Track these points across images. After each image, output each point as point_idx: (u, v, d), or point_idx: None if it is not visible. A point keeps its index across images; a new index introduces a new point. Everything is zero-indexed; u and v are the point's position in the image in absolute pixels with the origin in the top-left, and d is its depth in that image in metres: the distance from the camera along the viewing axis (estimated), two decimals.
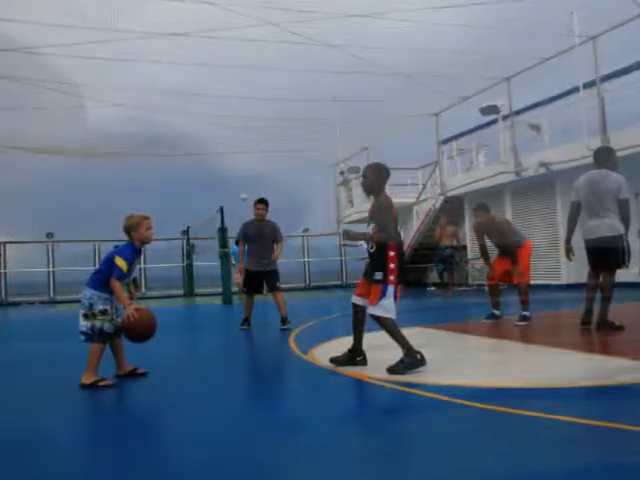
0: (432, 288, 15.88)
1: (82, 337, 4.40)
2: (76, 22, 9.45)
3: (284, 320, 7.79)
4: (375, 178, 4.65)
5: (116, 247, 4.78)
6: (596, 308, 6.05)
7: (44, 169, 17.44)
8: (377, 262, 4.45)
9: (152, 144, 15.71)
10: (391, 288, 4.37)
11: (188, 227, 19.45)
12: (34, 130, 13.84)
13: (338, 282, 21.55)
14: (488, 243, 7.63)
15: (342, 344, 5.09)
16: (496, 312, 7.38)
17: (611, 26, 11.03)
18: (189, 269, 19.21)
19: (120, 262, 4.38)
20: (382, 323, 4.43)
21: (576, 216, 6.12)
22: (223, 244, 14.30)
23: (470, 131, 16.22)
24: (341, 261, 21.65)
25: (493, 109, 13.95)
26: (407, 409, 3.57)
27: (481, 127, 15.59)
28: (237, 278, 14.15)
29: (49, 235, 18.91)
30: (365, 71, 11.82)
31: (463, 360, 5.01)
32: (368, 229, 4.64)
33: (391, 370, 4.27)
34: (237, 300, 14.06)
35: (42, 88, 11.69)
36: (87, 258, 18.85)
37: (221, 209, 14.41)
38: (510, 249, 7.17)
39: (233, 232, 12.55)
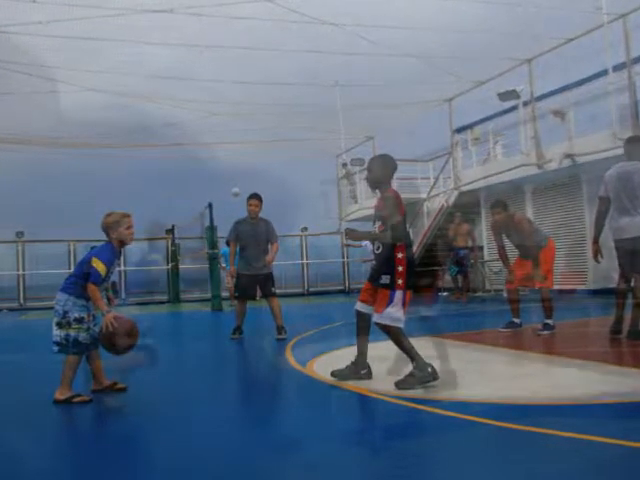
0: (445, 293, 15.88)
1: (55, 348, 4.40)
2: None
3: (280, 329, 7.80)
4: (381, 171, 4.65)
5: (93, 248, 4.78)
6: (627, 315, 6.05)
7: (12, 161, 17.39)
8: (384, 264, 4.45)
9: (133, 133, 15.70)
10: (399, 294, 4.37)
11: (173, 225, 19.46)
12: None
13: (340, 287, 21.59)
14: (507, 243, 7.64)
15: (344, 355, 5.08)
16: (516, 320, 7.38)
17: None
18: (174, 272, 19.22)
19: (98, 265, 4.38)
20: (389, 332, 4.43)
21: (605, 213, 6.11)
22: (212, 245, 14.31)
23: (487, 119, 16.20)
24: (343, 263, 21.68)
25: (512, 94, 13.93)
26: (415, 427, 3.56)
27: (499, 114, 15.57)
28: (228, 282, 14.24)
29: (19, 234, 18.91)
30: (370, 52, 11.81)
31: (478, 373, 4.99)
32: (374, 228, 4.63)
33: (399, 385, 4.27)
34: (227, 307, 14.07)
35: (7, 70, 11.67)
36: (61, 260, 18.86)
37: (210, 205, 14.43)
38: (531, 250, 7.17)
39: (223, 231, 12.55)
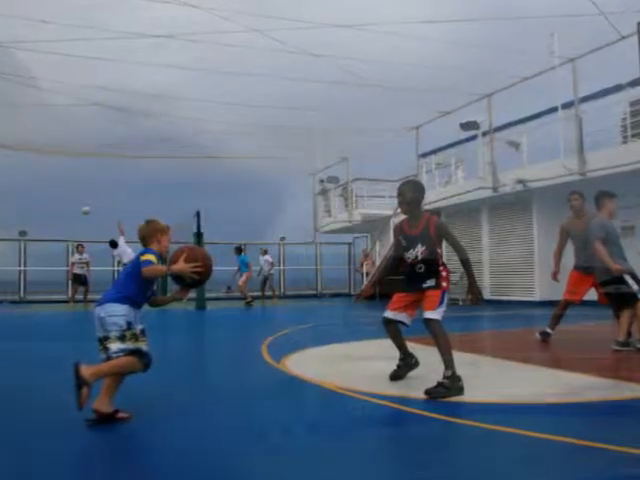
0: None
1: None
2: (57, 19, 9.30)
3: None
4: (415, 194, 4.38)
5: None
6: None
7: (13, 163, 16.90)
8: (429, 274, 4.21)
9: (131, 145, 15.47)
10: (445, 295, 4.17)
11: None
12: (6, 126, 13.57)
13: (312, 291, 21.54)
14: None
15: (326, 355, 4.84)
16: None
17: (590, 49, 11.21)
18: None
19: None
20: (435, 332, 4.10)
21: None
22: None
23: (449, 146, 16.33)
24: (316, 270, 21.53)
25: (473, 125, 14.07)
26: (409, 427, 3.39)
27: (461, 142, 15.70)
28: (242, 282, 14.38)
29: (22, 233, 18.44)
30: (348, 82, 11.83)
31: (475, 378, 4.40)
32: (415, 251, 4.27)
33: (429, 393, 3.84)
34: (210, 306, 13.84)
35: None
36: (58, 259, 18.43)
37: (197, 214, 14.26)
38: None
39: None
